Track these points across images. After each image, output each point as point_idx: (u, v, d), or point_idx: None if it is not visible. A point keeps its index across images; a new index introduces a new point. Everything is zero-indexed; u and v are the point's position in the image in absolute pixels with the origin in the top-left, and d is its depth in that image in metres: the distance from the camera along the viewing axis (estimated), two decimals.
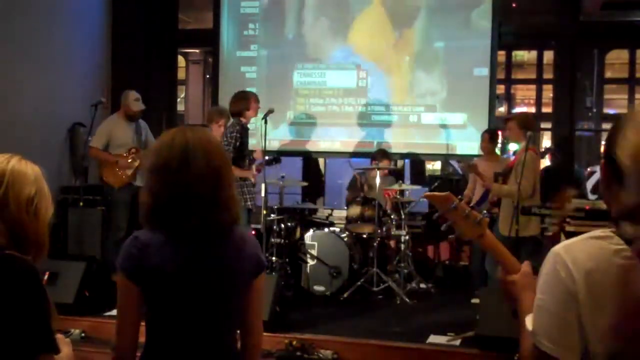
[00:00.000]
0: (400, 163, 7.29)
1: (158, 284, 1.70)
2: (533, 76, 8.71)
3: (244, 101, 5.41)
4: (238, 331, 1.87)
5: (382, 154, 6.30)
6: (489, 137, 5.87)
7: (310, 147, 7.10)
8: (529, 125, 4.91)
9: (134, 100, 5.95)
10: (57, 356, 1.63)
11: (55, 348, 1.63)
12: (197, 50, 11.76)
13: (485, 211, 5.10)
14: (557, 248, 1.25)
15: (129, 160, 5.87)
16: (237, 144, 5.25)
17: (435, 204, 1.64)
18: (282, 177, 5.98)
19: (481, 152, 6.15)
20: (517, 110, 10.35)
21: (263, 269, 1.84)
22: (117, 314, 1.75)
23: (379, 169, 5.97)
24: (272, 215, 5.78)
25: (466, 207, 1.62)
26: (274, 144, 6.84)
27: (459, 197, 5.18)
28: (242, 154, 5.32)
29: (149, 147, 6.06)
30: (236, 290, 1.78)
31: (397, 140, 6.90)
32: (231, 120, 5.44)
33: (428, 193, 1.69)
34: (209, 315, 1.75)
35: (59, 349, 1.64)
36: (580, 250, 1.22)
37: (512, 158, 5.38)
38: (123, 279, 1.71)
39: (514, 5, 7.91)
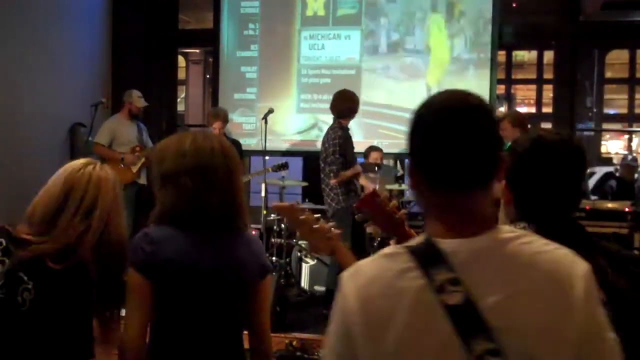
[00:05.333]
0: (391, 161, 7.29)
1: (170, 278, 1.72)
2: (533, 76, 8.73)
3: (349, 102, 5.10)
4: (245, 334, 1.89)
5: (371, 149, 6.31)
6: None
7: (311, 147, 7.10)
8: (522, 123, 4.91)
9: (137, 97, 6.04)
10: None
11: (90, 355, 1.75)
12: (197, 50, 11.79)
13: None
14: (346, 271, 1.11)
15: (134, 158, 5.91)
16: (337, 154, 4.94)
17: (282, 215, 1.55)
18: (282, 177, 5.98)
19: None
20: (515, 109, 10.37)
21: (269, 272, 1.89)
22: (126, 312, 1.75)
23: (378, 166, 5.95)
24: (272, 215, 5.78)
25: (313, 218, 1.49)
26: (275, 144, 6.84)
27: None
28: (344, 166, 4.99)
29: (148, 147, 6.10)
30: (244, 290, 1.82)
31: (397, 141, 6.89)
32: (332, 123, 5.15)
33: (275, 204, 1.61)
34: (217, 313, 1.78)
35: (93, 355, 1.76)
36: (364, 273, 1.08)
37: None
38: (134, 275, 1.72)
39: (514, 5, 7.92)
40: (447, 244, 1.04)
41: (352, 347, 1.04)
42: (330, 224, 1.59)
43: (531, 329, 0.98)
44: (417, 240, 1.08)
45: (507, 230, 1.07)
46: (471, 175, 1.06)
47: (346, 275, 1.10)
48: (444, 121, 1.06)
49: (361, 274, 1.08)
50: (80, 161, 1.89)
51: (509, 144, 1.65)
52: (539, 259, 1.02)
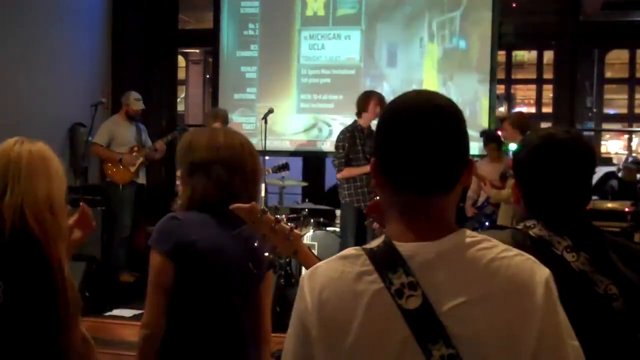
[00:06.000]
0: None
1: (197, 260, 1.78)
2: (533, 76, 8.73)
3: (362, 101, 5.20)
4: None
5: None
6: (496, 146, 5.86)
7: (311, 147, 7.10)
8: (523, 125, 4.91)
9: (134, 99, 6.03)
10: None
11: (60, 329, 1.72)
12: (197, 50, 11.79)
13: (487, 213, 5.10)
14: (306, 272, 1.09)
15: (132, 158, 5.92)
16: (339, 149, 5.12)
17: (241, 216, 1.49)
18: (282, 177, 5.98)
19: (482, 153, 6.16)
20: (517, 110, 10.37)
21: (275, 264, 2.05)
22: (149, 295, 1.80)
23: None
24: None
25: (272, 219, 1.44)
26: (275, 144, 6.83)
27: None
28: (346, 163, 5.13)
29: (147, 146, 6.10)
30: (257, 279, 1.93)
31: None
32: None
33: (235, 205, 1.59)
34: (230, 296, 1.85)
35: (64, 327, 1.73)
36: (321, 275, 1.05)
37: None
38: (159, 259, 1.78)
39: (514, 5, 7.91)
40: (406, 247, 1.02)
41: (309, 349, 1.02)
42: (291, 224, 1.59)
43: (489, 335, 0.96)
44: (376, 241, 1.06)
45: (468, 235, 1.04)
46: (433, 179, 1.03)
47: (305, 277, 1.08)
48: (407, 123, 1.03)
49: (319, 276, 1.05)
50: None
51: (509, 144, 1.65)
52: (499, 264, 1.00)
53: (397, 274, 0.99)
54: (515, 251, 1.03)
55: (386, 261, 1.01)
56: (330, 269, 1.05)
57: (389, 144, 1.05)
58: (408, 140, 1.02)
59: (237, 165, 1.86)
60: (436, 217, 1.04)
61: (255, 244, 1.90)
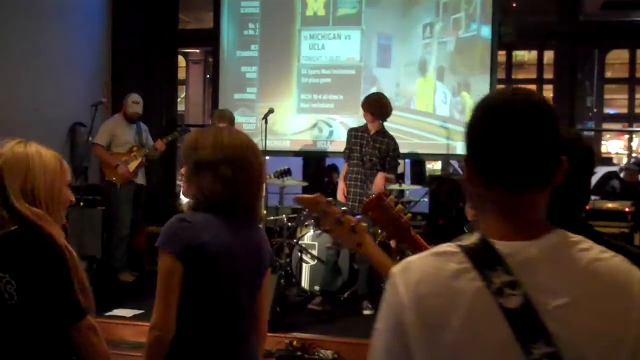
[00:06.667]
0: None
1: (206, 261, 1.80)
2: (533, 76, 8.72)
3: (383, 108, 5.34)
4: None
5: None
6: None
7: (311, 147, 7.10)
8: None
9: (132, 102, 6.08)
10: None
11: (82, 314, 1.80)
12: (197, 50, 11.79)
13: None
14: (395, 267, 1.08)
15: (131, 158, 5.93)
16: (346, 151, 5.40)
17: (305, 207, 1.50)
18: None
19: None
20: None
21: (273, 262, 2.09)
22: (158, 297, 1.80)
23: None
24: (272, 216, 5.78)
25: (338, 211, 1.43)
26: (275, 144, 6.83)
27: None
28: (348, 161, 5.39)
29: (148, 146, 6.10)
30: (260, 277, 1.98)
31: (397, 140, 6.88)
32: None
33: (297, 196, 1.58)
34: (237, 296, 1.89)
35: (86, 313, 1.81)
36: (416, 270, 1.05)
37: None
38: (168, 259, 1.79)
39: (514, 5, 7.92)
40: (505, 246, 1.02)
41: (406, 345, 1.02)
42: (357, 217, 1.56)
43: (590, 335, 0.98)
44: (470, 239, 1.06)
45: (565, 236, 1.05)
46: (531, 175, 1.04)
47: (397, 272, 1.06)
48: (506, 119, 1.04)
49: (413, 270, 1.05)
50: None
51: None
52: (598, 265, 1.02)
53: (496, 272, 1.00)
54: (610, 252, 1.04)
55: (485, 259, 1.01)
56: (425, 264, 1.05)
57: (487, 141, 1.05)
58: (507, 136, 1.03)
59: (242, 164, 1.88)
60: (533, 215, 1.05)
61: (260, 241, 1.99)
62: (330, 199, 1.46)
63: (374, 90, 6.26)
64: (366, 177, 5.27)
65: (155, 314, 1.79)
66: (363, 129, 5.36)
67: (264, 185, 1.96)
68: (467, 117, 1.12)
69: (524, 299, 0.98)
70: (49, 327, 1.78)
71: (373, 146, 5.25)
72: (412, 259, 1.08)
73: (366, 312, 5.04)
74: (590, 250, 1.04)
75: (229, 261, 1.84)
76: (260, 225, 2.15)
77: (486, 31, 6.66)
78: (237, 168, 1.87)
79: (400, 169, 7.17)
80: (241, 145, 1.92)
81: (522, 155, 1.03)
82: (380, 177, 5.20)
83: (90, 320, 1.83)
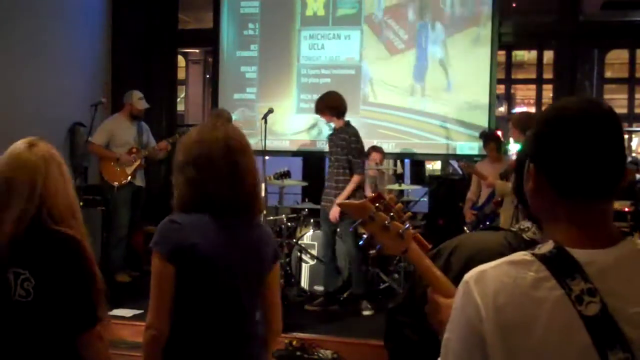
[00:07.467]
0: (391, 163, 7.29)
1: (195, 263, 1.78)
2: (533, 76, 8.71)
3: (342, 107, 5.28)
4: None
5: (373, 149, 6.32)
6: (496, 146, 5.86)
7: (311, 147, 7.10)
8: (525, 125, 4.90)
9: (138, 99, 6.03)
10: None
11: (95, 321, 1.80)
12: (197, 50, 11.77)
13: (487, 212, 5.10)
14: (468, 275, 1.07)
15: (129, 159, 5.90)
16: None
17: (350, 214, 1.46)
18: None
19: (482, 152, 6.16)
20: (517, 110, 10.37)
21: (279, 258, 2.03)
22: (152, 297, 1.80)
23: (379, 169, 5.96)
24: (271, 215, 5.78)
25: (386, 217, 1.42)
26: (275, 144, 6.83)
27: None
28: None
29: (149, 147, 6.09)
30: (261, 274, 1.93)
31: (397, 140, 6.89)
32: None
33: (342, 201, 1.54)
34: (237, 298, 1.86)
35: (99, 320, 1.81)
36: (493, 280, 1.04)
37: (514, 158, 5.37)
38: (159, 261, 1.78)
39: (514, 5, 7.91)
40: (582, 254, 1.03)
41: (483, 355, 1.01)
42: (406, 223, 1.55)
43: None
44: (545, 248, 1.06)
45: (637, 243, 1.06)
46: (609, 184, 1.06)
47: (470, 281, 1.05)
48: (585, 130, 1.05)
49: (490, 280, 1.04)
50: (10, 149, 1.89)
51: (509, 144, 1.64)
52: None
53: (575, 280, 1.01)
54: None
55: (563, 268, 1.02)
56: (502, 273, 1.04)
57: (566, 152, 1.05)
58: (588, 147, 1.04)
59: (206, 162, 1.82)
60: (606, 223, 1.07)
61: (256, 238, 1.93)
62: (377, 205, 1.45)
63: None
64: (330, 176, 5.25)
65: (149, 314, 1.80)
66: (333, 130, 5.36)
67: (257, 183, 1.90)
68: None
69: (602, 306, 0.99)
70: (60, 329, 1.77)
71: (335, 144, 5.24)
72: (486, 267, 1.06)
73: (366, 312, 5.04)
74: None
75: (221, 261, 1.82)
76: (261, 222, 2.07)
77: (486, 31, 6.66)
78: (201, 168, 1.82)
79: (399, 169, 7.18)
80: (209, 141, 1.85)
81: (602, 165, 1.04)
82: (334, 210, 5.05)
83: (99, 327, 1.83)
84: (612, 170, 1.06)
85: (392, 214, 1.45)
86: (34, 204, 1.78)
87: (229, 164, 1.83)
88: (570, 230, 1.06)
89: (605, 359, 0.97)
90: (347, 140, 5.13)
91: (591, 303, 0.99)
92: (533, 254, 1.05)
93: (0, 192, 1.80)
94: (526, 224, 1.46)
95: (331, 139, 5.31)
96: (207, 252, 1.79)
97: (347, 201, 1.53)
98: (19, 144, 1.89)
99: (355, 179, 5.11)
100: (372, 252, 5.14)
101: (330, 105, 5.22)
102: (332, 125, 5.34)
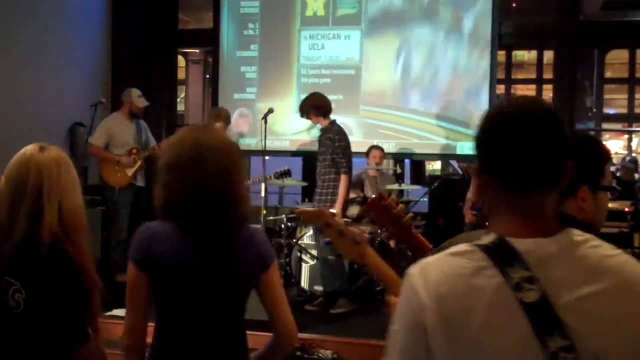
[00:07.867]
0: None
1: (163, 272, 1.73)
2: (533, 76, 8.71)
3: (324, 107, 5.30)
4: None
5: (373, 147, 6.32)
6: None
7: (311, 147, 7.09)
8: None
9: (137, 96, 5.99)
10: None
11: (86, 339, 1.77)
12: (197, 50, 11.79)
13: (485, 212, 5.09)
14: (412, 268, 1.10)
15: (130, 160, 5.89)
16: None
17: (308, 221, 1.53)
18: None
19: None
20: None
21: (270, 263, 1.86)
22: (127, 306, 1.76)
23: (379, 169, 5.95)
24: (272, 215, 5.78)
25: (341, 223, 1.44)
26: (275, 144, 6.83)
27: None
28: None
29: (149, 147, 6.08)
30: (239, 286, 1.82)
31: (397, 140, 6.89)
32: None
33: (300, 209, 1.57)
34: (213, 308, 1.78)
35: (89, 337, 1.78)
36: (435, 270, 1.07)
37: None
38: (132, 268, 1.75)
39: (514, 5, 7.92)
40: (521, 243, 1.06)
41: (425, 345, 1.04)
42: (362, 228, 1.56)
43: (603, 327, 1.02)
44: (487, 239, 1.09)
45: (576, 234, 1.10)
46: (545, 176, 1.09)
47: (414, 273, 1.09)
48: (520, 127, 1.09)
49: (432, 271, 1.07)
50: (20, 152, 1.87)
51: None
52: (607, 262, 1.07)
53: (514, 268, 1.04)
54: (618, 250, 1.10)
55: (503, 257, 1.05)
56: (443, 264, 1.08)
57: (503, 148, 1.10)
58: (523, 142, 1.08)
59: (176, 167, 1.74)
60: (546, 214, 1.10)
61: (238, 247, 1.80)
62: (333, 211, 1.47)
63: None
64: (319, 176, 5.26)
65: (125, 321, 1.77)
66: (320, 130, 5.36)
67: (233, 189, 1.80)
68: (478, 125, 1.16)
69: (541, 293, 1.02)
70: (51, 343, 1.75)
71: (323, 144, 5.26)
72: (429, 260, 1.10)
73: (336, 310, 5.03)
74: (600, 247, 1.09)
75: (186, 270, 1.74)
76: (246, 231, 1.86)
77: (486, 31, 6.66)
78: (170, 173, 1.75)
79: (399, 169, 7.17)
80: (181, 145, 1.77)
81: (536, 159, 1.08)
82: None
83: (95, 341, 1.81)
84: (547, 164, 1.08)
85: (394, 213, 1.46)
86: (41, 206, 1.78)
87: (196, 170, 1.72)
88: (510, 221, 1.09)
89: (544, 345, 0.99)
90: (331, 139, 5.14)
91: (530, 290, 1.02)
92: (475, 245, 1.08)
93: (13, 194, 1.80)
94: None
95: (319, 139, 5.35)
96: (171, 261, 1.73)
97: (305, 209, 1.54)
98: (30, 147, 1.88)
99: (343, 178, 5.10)
100: (331, 258, 5.16)
101: (315, 104, 5.23)
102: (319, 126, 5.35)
